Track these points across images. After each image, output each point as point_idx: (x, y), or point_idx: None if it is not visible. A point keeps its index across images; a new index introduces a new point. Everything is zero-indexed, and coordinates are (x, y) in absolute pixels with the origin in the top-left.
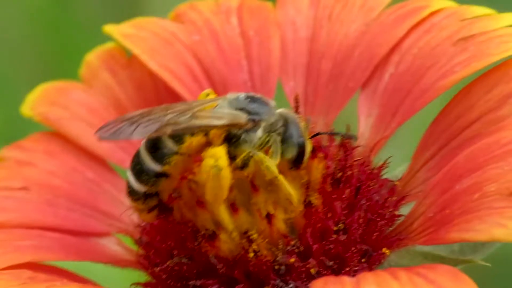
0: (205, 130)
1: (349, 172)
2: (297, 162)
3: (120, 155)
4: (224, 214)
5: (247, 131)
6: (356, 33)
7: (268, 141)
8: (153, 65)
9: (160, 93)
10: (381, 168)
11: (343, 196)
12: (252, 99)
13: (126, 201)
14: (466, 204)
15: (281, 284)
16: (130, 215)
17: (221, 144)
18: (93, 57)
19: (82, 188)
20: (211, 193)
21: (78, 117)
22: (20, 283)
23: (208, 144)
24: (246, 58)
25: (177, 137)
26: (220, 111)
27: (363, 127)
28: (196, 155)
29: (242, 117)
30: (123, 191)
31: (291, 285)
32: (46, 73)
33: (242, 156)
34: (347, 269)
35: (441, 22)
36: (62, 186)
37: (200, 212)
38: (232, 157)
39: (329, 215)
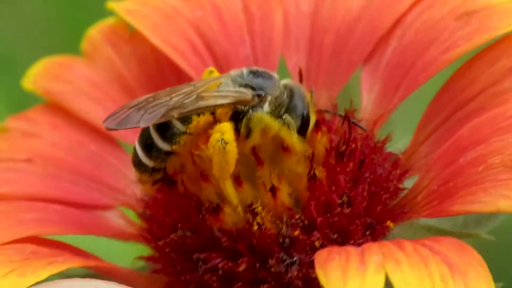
0: (212, 109)
1: (353, 146)
2: (300, 132)
3: (122, 130)
4: (230, 188)
5: (253, 107)
6: (358, 7)
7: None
8: (155, 41)
9: (163, 67)
10: (384, 141)
11: (347, 169)
12: (256, 74)
13: (130, 174)
14: (470, 177)
15: (285, 257)
16: (134, 189)
17: (228, 121)
18: (95, 32)
19: (86, 161)
20: (217, 167)
21: (81, 92)
22: (22, 258)
23: (216, 122)
24: (249, 33)
25: (185, 118)
26: (224, 89)
27: (366, 101)
28: (204, 133)
29: (247, 94)
30: (127, 164)
31: (295, 258)
32: (55, 47)
33: (243, 122)
34: (351, 242)
35: None
36: (66, 158)
37: (204, 185)
38: (239, 133)
39: (333, 188)
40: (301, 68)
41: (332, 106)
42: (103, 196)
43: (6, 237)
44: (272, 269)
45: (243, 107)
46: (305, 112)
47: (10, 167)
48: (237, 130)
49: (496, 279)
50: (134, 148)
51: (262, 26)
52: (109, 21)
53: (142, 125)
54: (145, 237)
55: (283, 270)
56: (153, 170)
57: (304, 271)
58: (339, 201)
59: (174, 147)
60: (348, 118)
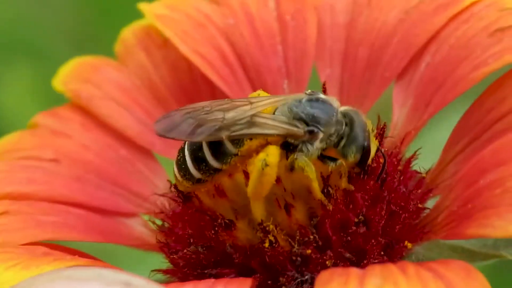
0: (263, 137)
1: (374, 164)
2: (360, 164)
3: (149, 138)
4: (258, 209)
5: (304, 142)
6: (395, 20)
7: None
8: (184, 49)
9: (195, 76)
10: (410, 159)
11: (367, 187)
12: (315, 104)
13: (158, 182)
14: (488, 200)
15: (296, 275)
16: (159, 198)
17: (278, 146)
18: (129, 34)
19: (114, 165)
20: (252, 186)
21: (110, 97)
22: (31, 256)
23: (268, 144)
24: (282, 43)
25: (236, 140)
26: (278, 118)
27: (397, 117)
28: (256, 154)
29: (299, 130)
30: (155, 172)
31: (306, 277)
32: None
33: (290, 159)
34: (366, 261)
35: (480, 12)
36: (94, 161)
37: (220, 200)
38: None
39: (350, 206)
40: (335, 81)
41: None
42: (127, 203)
43: (21, 239)
44: (284, 287)
45: (293, 140)
46: (366, 143)
47: (35, 166)
48: (286, 157)
49: None
50: (181, 153)
51: (296, 37)
52: (144, 22)
53: (190, 139)
54: (163, 249)
55: None
56: (198, 181)
57: None
58: (356, 220)
59: (224, 167)
60: (376, 134)
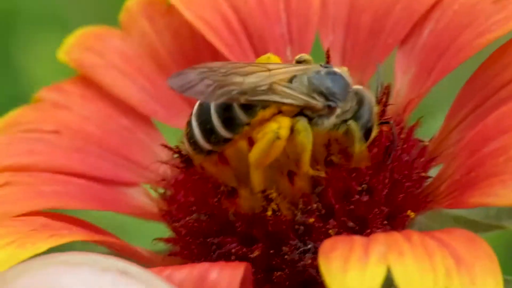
0: (279, 105)
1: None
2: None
3: (152, 106)
4: (257, 176)
5: (320, 115)
6: None
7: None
8: (188, 15)
9: (197, 42)
10: (413, 127)
11: (370, 156)
12: (334, 78)
13: (159, 151)
14: (491, 168)
15: (299, 244)
16: (160, 167)
17: (291, 117)
18: (133, 2)
19: (115, 136)
20: (256, 153)
21: (113, 65)
22: (29, 229)
23: (281, 114)
24: (285, 10)
25: (249, 109)
26: (297, 88)
27: (400, 85)
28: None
29: (319, 103)
30: (156, 141)
31: (309, 246)
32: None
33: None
34: (368, 230)
35: None
36: (95, 132)
37: (222, 167)
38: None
39: (353, 174)
40: (337, 48)
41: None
42: (128, 172)
43: (22, 208)
44: (286, 256)
45: (310, 112)
46: (369, 125)
47: (36, 138)
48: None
49: None
50: (189, 127)
51: (299, 4)
52: None
53: (209, 100)
54: (165, 217)
55: (297, 258)
56: (208, 152)
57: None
58: (359, 189)
59: (235, 136)
60: (378, 101)
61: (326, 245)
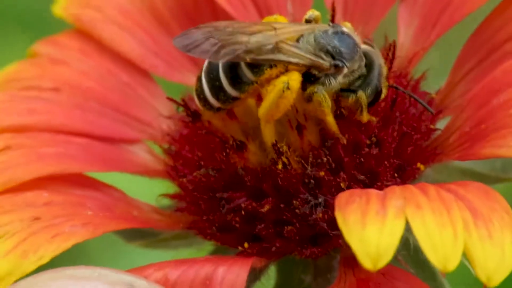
0: (286, 64)
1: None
2: (369, 103)
3: (152, 61)
4: (269, 130)
5: (327, 74)
6: None
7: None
8: None
9: None
10: (419, 80)
11: (378, 109)
12: (341, 38)
13: (160, 107)
14: (501, 120)
15: (310, 198)
16: (163, 123)
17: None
18: None
19: (115, 92)
20: (266, 106)
21: (111, 20)
22: (32, 216)
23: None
24: None
25: (256, 68)
26: (304, 47)
27: (403, 38)
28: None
29: (325, 62)
30: (156, 96)
31: (320, 200)
32: None
33: (308, 90)
34: (379, 183)
35: None
36: (95, 88)
37: (230, 122)
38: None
39: (362, 128)
40: (339, 2)
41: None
42: (130, 129)
43: (24, 175)
44: (297, 210)
45: (317, 72)
46: (379, 88)
47: (35, 96)
48: (303, 89)
49: None
50: (199, 82)
51: None
52: None
53: (214, 59)
54: (170, 174)
55: (308, 212)
56: (218, 109)
57: (329, 213)
58: (368, 142)
59: (242, 95)
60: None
61: (341, 199)
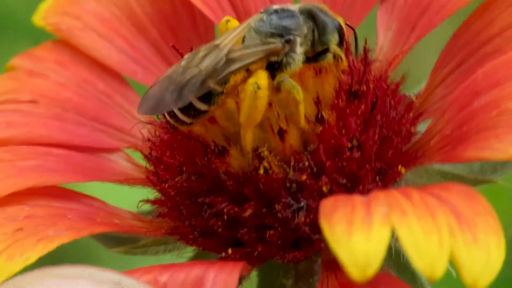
0: (245, 67)
1: (365, 87)
2: (340, 44)
3: (132, 67)
4: (249, 135)
5: (286, 54)
6: None
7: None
8: None
9: (175, 3)
10: (398, 83)
11: (358, 112)
12: (277, 15)
13: (137, 114)
14: (484, 122)
15: (292, 202)
16: (141, 129)
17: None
18: None
19: (93, 101)
20: (245, 112)
21: (90, 28)
22: (14, 228)
23: (251, 73)
24: None
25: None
26: (251, 43)
27: (382, 41)
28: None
29: (277, 44)
30: (134, 104)
31: (302, 204)
32: None
33: (276, 80)
34: (361, 187)
35: None
36: (72, 99)
37: (210, 126)
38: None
39: (343, 131)
40: None
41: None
42: (108, 137)
43: (4, 190)
44: (279, 215)
45: (276, 58)
46: (336, 23)
47: (13, 109)
48: (272, 78)
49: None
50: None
51: None
52: None
53: (181, 105)
54: (151, 180)
55: (290, 216)
56: (190, 124)
57: (311, 216)
58: (349, 145)
59: (212, 107)
60: (365, 56)
61: (326, 206)
